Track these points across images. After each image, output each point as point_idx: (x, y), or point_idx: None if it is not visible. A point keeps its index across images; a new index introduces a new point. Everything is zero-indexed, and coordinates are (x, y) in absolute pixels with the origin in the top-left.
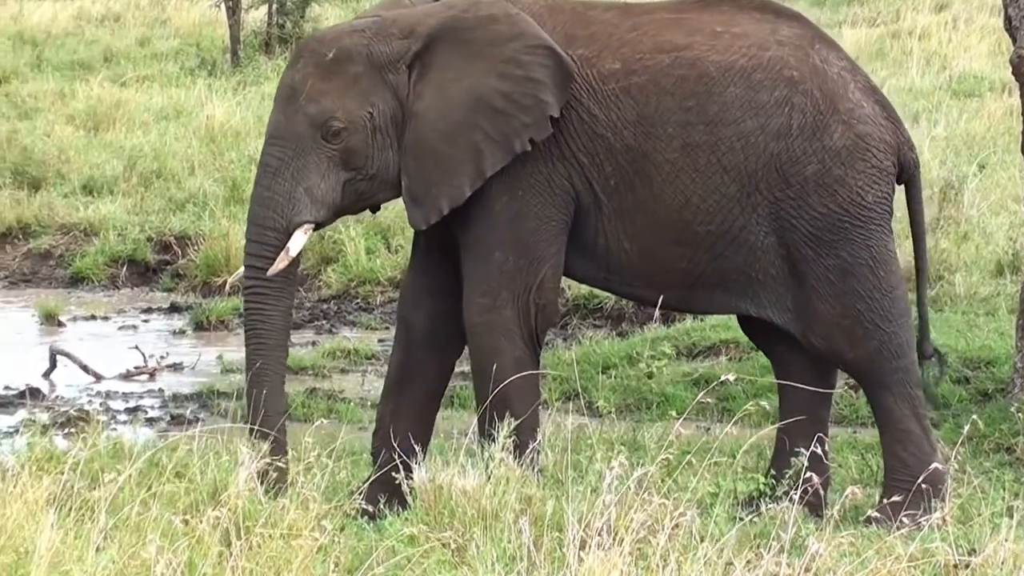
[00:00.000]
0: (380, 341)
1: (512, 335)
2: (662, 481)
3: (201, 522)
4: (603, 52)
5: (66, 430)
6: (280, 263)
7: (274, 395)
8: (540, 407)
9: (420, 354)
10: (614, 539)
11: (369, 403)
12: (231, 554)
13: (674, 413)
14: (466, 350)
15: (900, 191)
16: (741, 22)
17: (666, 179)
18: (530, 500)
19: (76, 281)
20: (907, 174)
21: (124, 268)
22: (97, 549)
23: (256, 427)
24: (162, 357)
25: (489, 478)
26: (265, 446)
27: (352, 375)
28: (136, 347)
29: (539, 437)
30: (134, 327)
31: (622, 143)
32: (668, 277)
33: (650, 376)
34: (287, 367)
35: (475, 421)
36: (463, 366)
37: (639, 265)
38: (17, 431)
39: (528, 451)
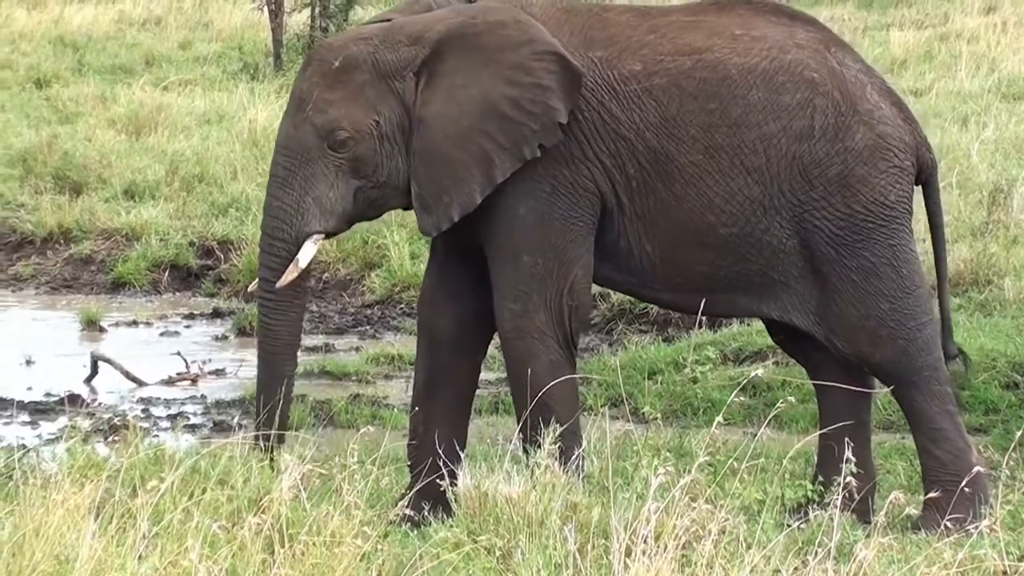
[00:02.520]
0: None
1: (546, 339)
2: (708, 487)
3: (243, 529)
4: (623, 54)
5: (107, 437)
6: (289, 274)
7: (276, 404)
8: (580, 411)
9: (448, 359)
10: (660, 546)
11: None
12: (274, 562)
13: (720, 419)
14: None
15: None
16: (758, 25)
17: (689, 181)
18: (575, 507)
19: (118, 286)
20: (925, 175)
21: (166, 273)
22: (139, 557)
23: (259, 431)
24: (204, 363)
25: (534, 485)
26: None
27: (396, 381)
28: (178, 353)
29: (583, 442)
30: (176, 333)
31: (644, 145)
32: (689, 280)
33: (695, 381)
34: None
35: (518, 428)
36: (502, 371)
37: (660, 268)
38: (58, 438)
39: (574, 457)
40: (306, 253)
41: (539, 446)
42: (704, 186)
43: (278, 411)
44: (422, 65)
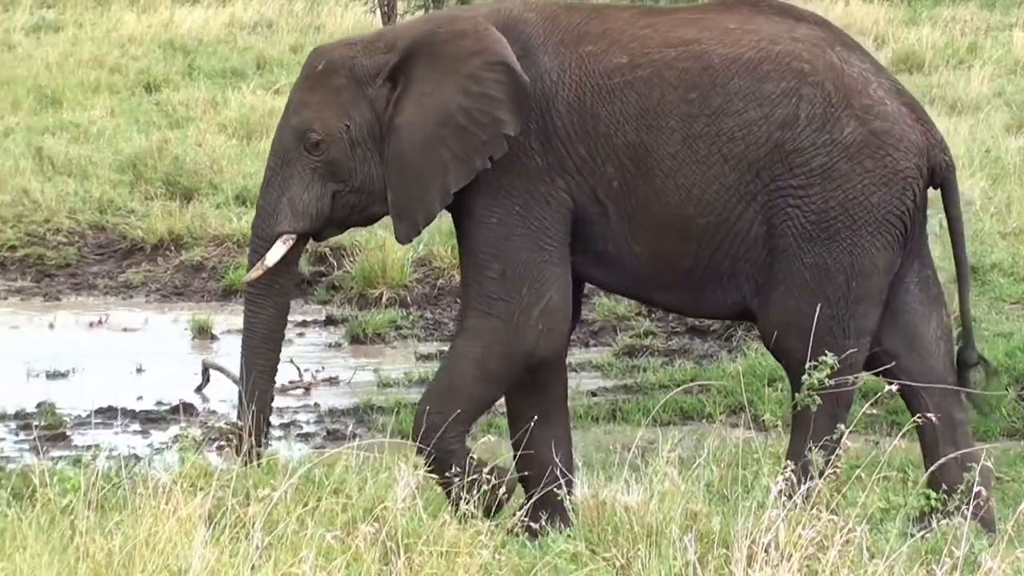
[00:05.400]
0: None
1: (491, 347)
2: (831, 496)
3: (358, 539)
4: (612, 47)
5: (219, 446)
6: (254, 272)
7: (255, 396)
8: (478, 415)
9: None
10: (782, 556)
11: None
12: (390, 572)
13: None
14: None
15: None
16: (757, 21)
17: (668, 174)
18: (696, 516)
19: (229, 294)
20: (939, 177)
21: None
22: (252, 567)
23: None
24: (317, 371)
25: (653, 494)
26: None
27: None
28: (291, 361)
29: (462, 449)
30: (289, 340)
31: (624, 139)
32: (677, 278)
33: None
34: (276, 372)
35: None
36: (620, 379)
37: (649, 268)
38: (170, 447)
39: (435, 443)
40: (273, 253)
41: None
42: (682, 177)
43: (251, 406)
44: (392, 71)
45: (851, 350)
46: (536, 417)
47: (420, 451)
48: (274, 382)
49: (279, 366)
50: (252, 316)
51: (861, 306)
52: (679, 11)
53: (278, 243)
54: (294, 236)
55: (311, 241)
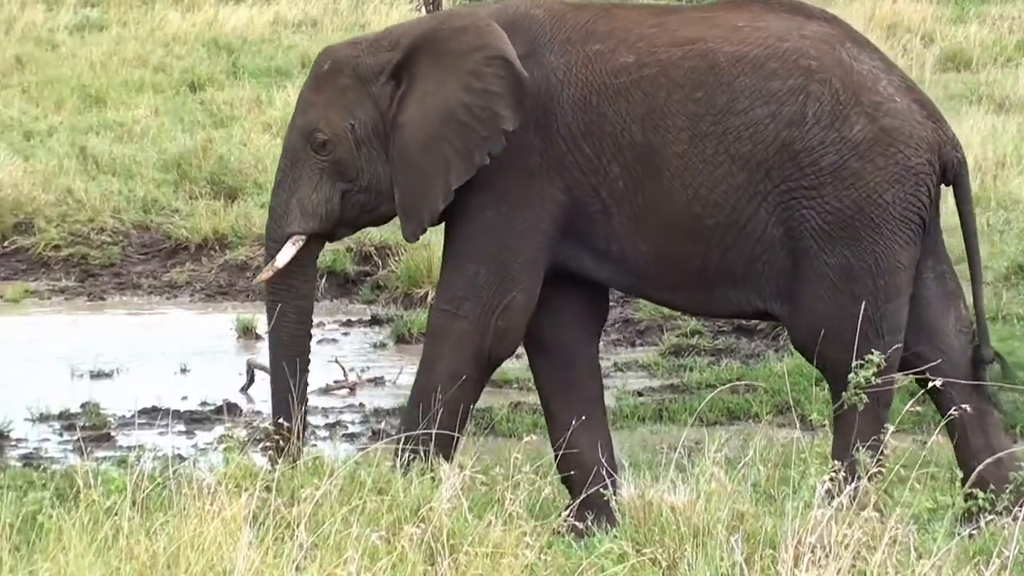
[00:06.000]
0: None
1: (462, 349)
2: (878, 496)
3: (403, 540)
4: (619, 47)
5: (264, 446)
6: (265, 273)
7: (288, 401)
8: (463, 421)
9: (563, 364)
10: (829, 555)
11: None
12: (435, 573)
13: (888, 425)
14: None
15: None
16: (767, 19)
17: (675, 174)
18: (742, 516)
19: None
20: (951, 173)
21: (323, 280)
22: (296, 568)
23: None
24: (362, 371)
25: (699, 494)
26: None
27: None
28: (336, 361)
29: (450, 457)
30: (334, 340)
31: (630, 139)
32: (685, 278)
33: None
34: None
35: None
36: (666, 378)
37: (656, 267)
38: (214, 447)
39: (425, 461)
40: (284, 254)
41: (405, 450)
42: (690, 177)
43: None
44: (395, 69)
45: (890, 348)
46: (576, 418)
47: (406, 470)
48: (307, 383)
49: (310, 367)
50: (274, 323)
51: (892, 304)
52: (688, 9)
53: (288, 244)
54: (304, 237)
55: (330, 242)
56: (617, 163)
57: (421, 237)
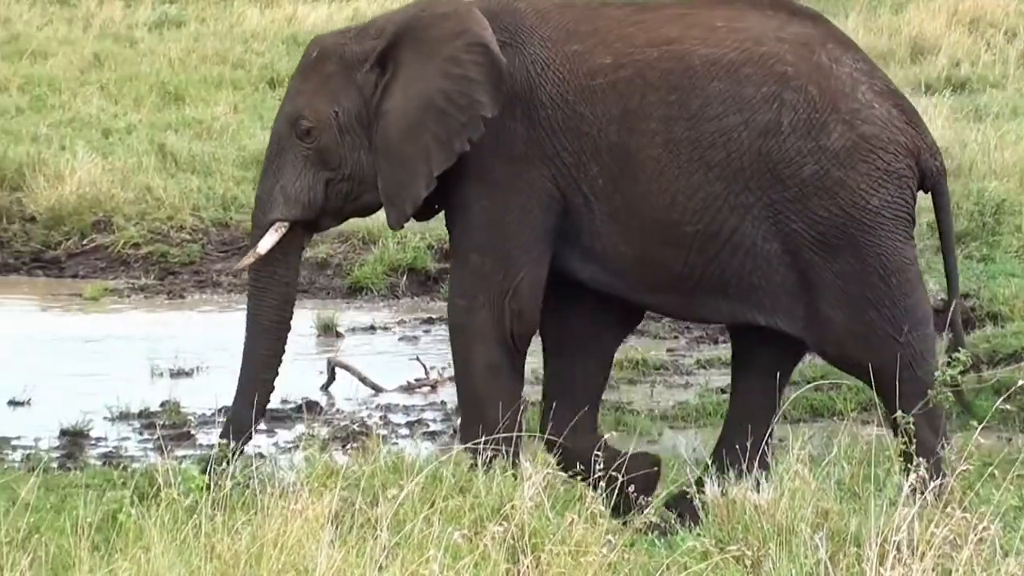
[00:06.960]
0: (669, 351)
1: (487, 340)
2: (963, 494)
3: (486, 538)
4: (597, 47)
5: (346, 445)
6: (246, 260)
7: (255, 385)
8: (519, 412)
9: (577, 361)
10: (915, 554)
11: (658, 414)
12: (518, 572)
13: (974, 423)
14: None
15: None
16: (747, 18)
17: (652, 177)
18: (827, 514)
19: (355, 291)
20: (931, 181)
21: (404, 277)
22: (379, 567)
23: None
24: (444, 369)
25: (783, 492)
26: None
27: (640, 386)
28: (417, 358)
29: (513, 444)
30: (415, 338)
31: (607, 141)
32: (667, 281)
33: (948, 385)
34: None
35: None
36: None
37: (637, 268)
38: (296, 446)
39: (496, 457)
40: (265, 241)
41: (471, 450)
42: (666, 182)
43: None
44: (379, 57)
45: (921, 342)
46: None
47: (487, 468)
48: (277, 372)
49: (284, 357)
50: (255, 307)
51: (910, 299)
52: (669, 7)
53: (270, 231)
54: (287, 224)
55: (316, 232)
56: (596, 163)
57: (404, 225)
